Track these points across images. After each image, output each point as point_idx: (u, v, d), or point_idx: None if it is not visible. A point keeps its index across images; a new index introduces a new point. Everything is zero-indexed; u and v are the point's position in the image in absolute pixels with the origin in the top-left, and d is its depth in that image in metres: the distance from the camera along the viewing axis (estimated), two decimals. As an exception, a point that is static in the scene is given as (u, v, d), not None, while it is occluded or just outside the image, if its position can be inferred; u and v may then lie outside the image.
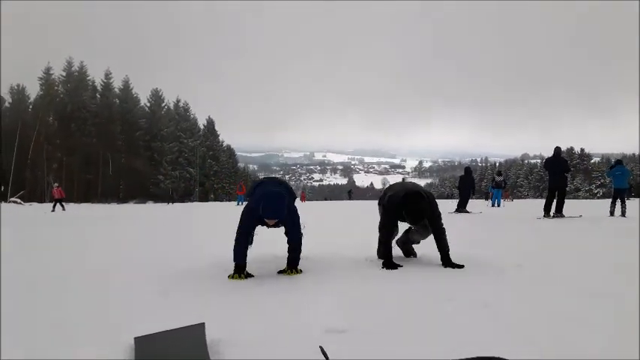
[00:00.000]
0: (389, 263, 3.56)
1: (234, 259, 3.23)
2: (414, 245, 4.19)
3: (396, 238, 4.09)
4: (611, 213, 10.35)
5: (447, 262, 3.56)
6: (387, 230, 3.72)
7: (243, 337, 1.92)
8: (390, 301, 2.56)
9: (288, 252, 3.39)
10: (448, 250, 3.59)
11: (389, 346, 1.82)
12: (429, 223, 3.64)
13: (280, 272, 3.36)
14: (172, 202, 30.64)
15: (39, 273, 3.62)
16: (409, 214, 3.52)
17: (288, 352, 1.76)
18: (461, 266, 3.50)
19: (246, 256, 3.28)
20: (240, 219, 3.28)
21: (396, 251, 4.11)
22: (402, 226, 4.00)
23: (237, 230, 3.25)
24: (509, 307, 2.37)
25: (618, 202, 10.42)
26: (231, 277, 3.18)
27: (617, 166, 10.92)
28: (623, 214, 10.12)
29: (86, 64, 51.98)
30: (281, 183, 3.68)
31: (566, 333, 1.94)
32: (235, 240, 3.23)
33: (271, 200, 3.10)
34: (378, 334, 1.95)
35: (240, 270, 3.20)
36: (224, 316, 2.23)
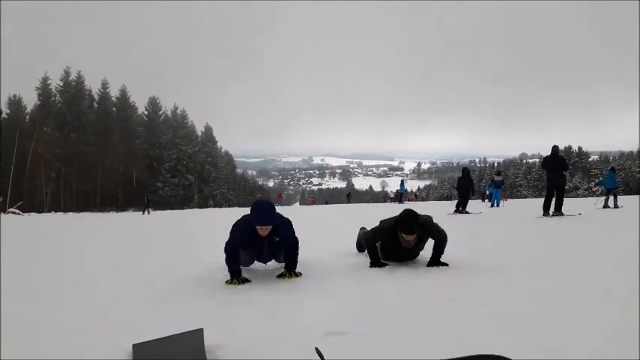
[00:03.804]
0: (376, 262, 3.67)
1: (230, 269, 3.22)
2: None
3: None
4: (605, 206, 13.68)
5: (434, 261, 3.60)
6: (372, 236, 3.73)
7: (241, 342, 1.91)
8: (390, 302, 2.55)
9: (285, 256, 3.39)
10: (441, 255, 3.63)
11: (389, 347, 1.81)
12: (432, 236, 3.63)
13: (279, 276, 3.35)
14: (148, 212, 25.21)
15: (37, 280, 3.60)
16: (402, 226, 3.42)
17: (288, 356, 1.74)
18: (445, 264, 3.55)
19: (240, 264, 3.29)
20: (231, 233, 3.26)
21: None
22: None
23: (227, 244, 3.24)
24: (509, 307, 2.36)
25: (611, 198, 14.00)
26: (229, 282, 3.18)
27: (608, 171, 15.43)
28: (616, 206, 13.50)
29: (83, 73, 52.18)
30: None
31: (567, 332, 1.93)
32: (226, 253, 3.23)
33: (262, 207, 3.18)
34: (378, 336, 1.94)
35: (237, 275, 3.20)
36: (222, 322, 2.22)
